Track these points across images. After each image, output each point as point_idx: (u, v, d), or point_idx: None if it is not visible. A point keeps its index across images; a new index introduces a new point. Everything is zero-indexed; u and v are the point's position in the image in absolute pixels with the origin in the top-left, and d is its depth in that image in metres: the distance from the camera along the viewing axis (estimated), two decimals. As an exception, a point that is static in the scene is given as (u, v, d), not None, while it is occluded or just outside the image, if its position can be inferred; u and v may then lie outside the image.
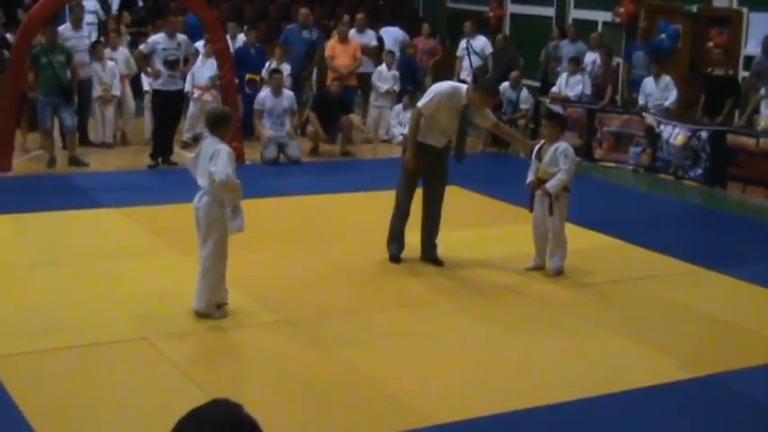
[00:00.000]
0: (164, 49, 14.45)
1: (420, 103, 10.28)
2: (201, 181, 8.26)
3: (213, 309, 8.42)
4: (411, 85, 17.66)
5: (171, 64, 14.41)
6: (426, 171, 10.27)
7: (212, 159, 8.10)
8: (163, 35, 14.74)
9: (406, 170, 10.27)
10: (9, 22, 17.73)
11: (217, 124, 8.37)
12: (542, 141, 10.14)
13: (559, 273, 9.92)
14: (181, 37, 14.79)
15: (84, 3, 16.80)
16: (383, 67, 17.47)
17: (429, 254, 10.32)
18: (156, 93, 14.76)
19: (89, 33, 16.12)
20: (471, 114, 10.19)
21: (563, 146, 9.97)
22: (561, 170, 9.78)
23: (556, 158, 9.84)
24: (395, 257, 10.27)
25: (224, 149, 8.15)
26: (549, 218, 9.89)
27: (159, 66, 14.43)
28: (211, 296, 8.41)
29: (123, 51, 16.27)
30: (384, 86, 17.29)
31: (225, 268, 8.43)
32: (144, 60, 15.10)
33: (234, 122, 9.40)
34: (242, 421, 2.28)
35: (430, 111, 10.04)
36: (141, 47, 15.33)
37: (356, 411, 6.90)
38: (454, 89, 10.19)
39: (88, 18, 17.23)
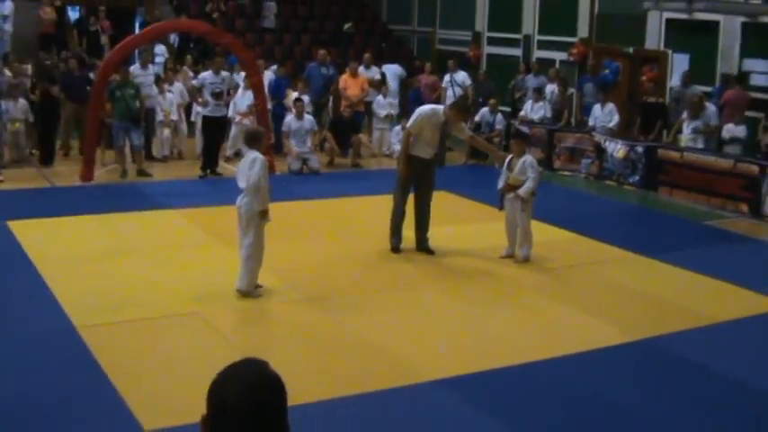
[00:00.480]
0: (211, 83, 14.47)
1: (408, 125, 10.34)
2: (242, 184, 8.32)
3: (253, 288, 8.47)
4: None
5: (217, 95, 14.44)
6: (417, 179, 10.29)
7: (251, 166, 8.19)
8: (210, 72, 14.75)
9: (401, 179, 10.31)
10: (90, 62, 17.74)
11: (252, 140, 8.47)
12: (512, 155, 10.17)
13: (527, 260, 9.95)
14: (224, 73, 14.80)
15: (156, 49, 16.99)
16: (380, 96, 17.40)
17: (422, 245, 10.34)
18: (205, 118, 14.79)
19: (154, 71, 16.14)
20: (450, 129, 10.28)
21: (529, 159, 10.00)
22: (529, 178, 9.82)
23: (524, 169, 9.88)
24: (395, 248, 10.29)
25: (260, 158, 8.24)
26: (519, 216, 9.92)
27: (208, 96, 14.46)
28: (252, 278, 8.46)
29: (178, 85, 16.29)
30: (383, 112, 17.19)
31: (263, 255, 8.49)
32: (196, 92, 15.15)
33: (266, 139, 9.47)
34: (268, 374, 2.30)
35: (416, 129, 10.09)
36: (194, 82, 15.36)
37: (362, 369, 6.94)
38: (433, 110, 10.25)
39: (157, 59, 17.38)
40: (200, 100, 14.95)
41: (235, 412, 2.21)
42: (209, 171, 14.45)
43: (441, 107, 10.55)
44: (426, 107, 10.53)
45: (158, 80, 15.77)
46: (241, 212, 8.36)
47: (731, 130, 14.05)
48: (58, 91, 15.01)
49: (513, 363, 7.07)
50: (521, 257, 9.96)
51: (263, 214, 8.32)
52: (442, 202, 12.94)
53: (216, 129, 14.63)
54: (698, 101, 14.25)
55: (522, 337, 7.76)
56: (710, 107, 14.34)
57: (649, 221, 12.84)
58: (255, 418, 2.21)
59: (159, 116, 15.47)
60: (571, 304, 8.64)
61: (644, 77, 16.70)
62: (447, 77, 17.98)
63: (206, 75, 14.81)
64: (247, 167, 8.24)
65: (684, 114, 14.44)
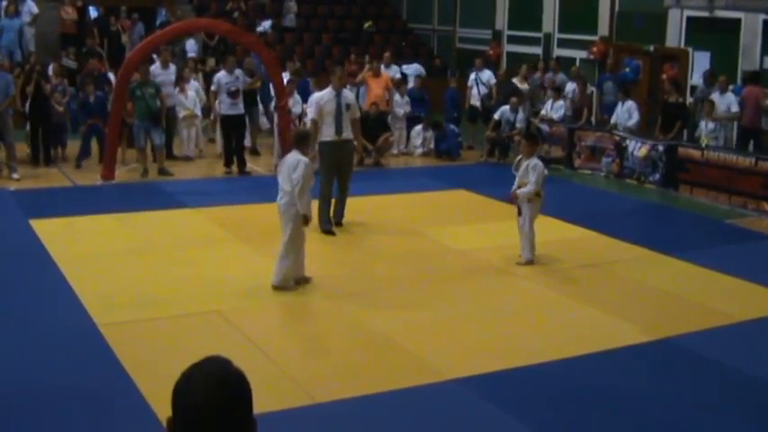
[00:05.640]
0: (226, 83, 14.50)
1: (309, 115, 10.90)
2: (286, 187, 8.42)
3: (288, 283, 8.59)
4: (456, 112, 17.72)
5: (232, 94, 14.47)
6: (338, 162, 10.73)
7: (296, 169, 8.29)
8: (224, 72, 14.75)
9: (323, 169, 10.67)
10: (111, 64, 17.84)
11: (300, 142, 8.71)
12: (520, 156, 10.04)
13: (530, 263, 9.71)
14: (237, 71, 14.79)
15: (186, 45, 17.27)
16: (397, 95, 17.26)
17: (338, 220, 10.98)
18: (222, 117, 14.78)
19: (174, 71, 16.18)
20: (345, 99, 10.73)
21: (534, 161, 9.77)
22: (530, 182, 9.70)
23: (527, 172, 9.75)
24: (328, 230, 10.70)
25: (303, 162, 8.40)
26: (519, 218, 9.81)
27: (224, 96, 14.49)
28: (287, 274, 8.57)
29: (194, 85, 16.25)
30: (401, 111, 17.07)
31: (300, 253, 8.65)
32: (215, 95, 15.05)
33: (311, 141, 9.81)
34: (232, 372, 2.25)
35: (317, 114, 10.57)
36: (212, 87, 15.22)
37: (382, 367, 6.96)
38: (322, 91, 10.92)
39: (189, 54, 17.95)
40: (218, 103, 14.89)
41: (201, 412, 2.17)
42: (238, 169, 14.45)
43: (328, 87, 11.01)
44: (316, 93, 11.14)
45: (179, 79, 15.82)
46: (281, 211, 8.52)
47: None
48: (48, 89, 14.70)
49: (533, 362, 7.05)
50: (523, 261, 9.77)
51: (305, 219, 8.47)
52: (461, 200, 12.97)
53: (235, 126, 14.61)
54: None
55: (541, 335, 7.73)
56: (730, 94, 14.30)
57: (670, 220, 12.77)
58: (222, 416, 2.17)
59: (181, 114, 15.51)
60: (591, 303, 8.61)
61: (664, 76, 16.60)
62: (472, 76, 17.89)
63: (220, 75, 14.75)
64: (292, 170, 8.32)
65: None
